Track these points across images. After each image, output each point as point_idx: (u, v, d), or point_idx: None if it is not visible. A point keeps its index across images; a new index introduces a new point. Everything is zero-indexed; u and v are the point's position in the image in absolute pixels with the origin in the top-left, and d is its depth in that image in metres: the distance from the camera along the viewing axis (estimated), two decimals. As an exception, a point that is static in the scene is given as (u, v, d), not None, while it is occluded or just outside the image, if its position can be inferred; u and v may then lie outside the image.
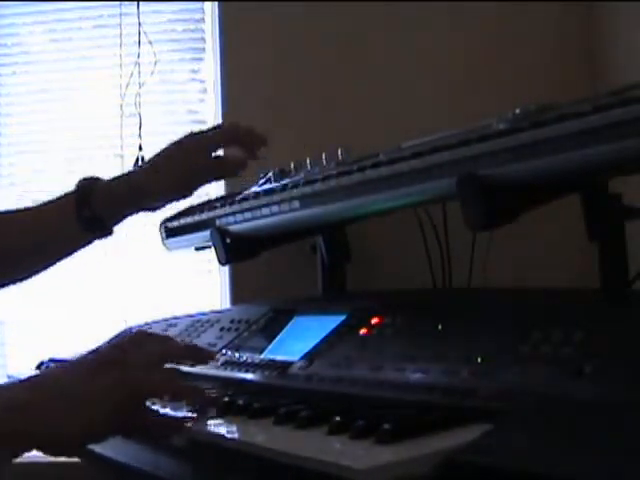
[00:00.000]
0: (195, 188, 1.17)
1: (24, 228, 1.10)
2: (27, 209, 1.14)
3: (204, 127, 2.00)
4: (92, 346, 0.97)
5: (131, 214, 1.14)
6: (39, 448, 0.80)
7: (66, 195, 1.10)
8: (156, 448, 0.91)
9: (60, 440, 0.79)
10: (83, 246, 1.12)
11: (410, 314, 1.00)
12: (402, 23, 1.84)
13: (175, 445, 0.89)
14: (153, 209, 1.15)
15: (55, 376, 0.85)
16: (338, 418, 0.73)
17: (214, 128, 1.19)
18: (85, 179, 1.10)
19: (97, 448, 0.95)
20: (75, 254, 1.13)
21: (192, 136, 1.13)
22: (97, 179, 1.10)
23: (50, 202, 1.11)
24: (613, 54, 1.70)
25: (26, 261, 1.11)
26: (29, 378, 0.84)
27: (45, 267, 1.13)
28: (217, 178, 1.26)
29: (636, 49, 1.58)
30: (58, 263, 1.13)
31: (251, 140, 1.16)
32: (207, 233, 1.47)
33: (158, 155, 1.12)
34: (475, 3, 1.79)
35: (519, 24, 1.80)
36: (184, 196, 1.17)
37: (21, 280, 1.13)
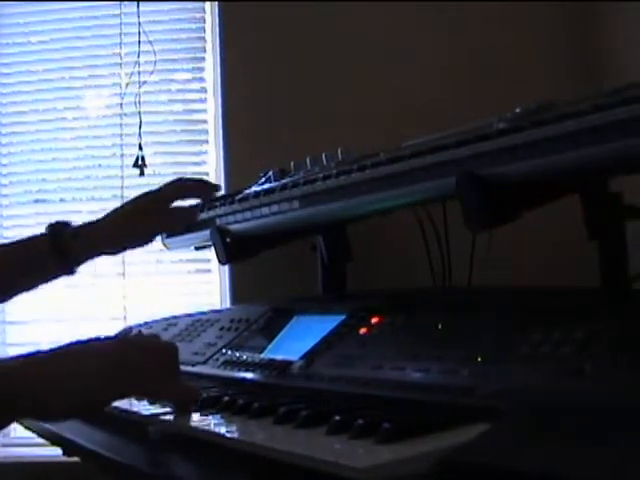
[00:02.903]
0: (152, 239, 1.35)
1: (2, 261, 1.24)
2: (4, 245, 1.30)
3: (204, 126, 2.01)
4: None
5: (94, 257, 1.29)
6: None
7: (40, 235, 1.25)
8: (156, 447, 0.91)
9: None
10: (50, 280, 1.26)
11: (410, 313, 1.00)
12: (402, 23, 1.84)
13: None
14: (114, 254, 1.32)
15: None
16: (338, 417, 0.73)
17: (167, 185, 1.35)
18: (57, 223, 1.26)
19: (97, 447, 0.95)
20: (44, 284, 1.27)
21: (147, 195, 1.31)
22: (66, 224, 1.26)
23: (24, 240, 1.26)
24: (614, 53, 1.70)
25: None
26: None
27: (10, 297, 1.28)
28: (172, 229, 1.46)
29: (636, 49, 1.58)
30: (22, 293, 1.27)
31: (203, 190, 1.36)
32: (207, 232, 1.47)
33: (117, 212, 1.29)
34: (476, 3, 1.79)
35: (519, 23, 1.80)
36: (143, 245, 1.35)
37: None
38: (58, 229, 1.24)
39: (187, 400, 0.94)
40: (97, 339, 0.93)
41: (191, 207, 1.42)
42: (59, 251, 1.22)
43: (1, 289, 1.25)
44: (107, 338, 0.96)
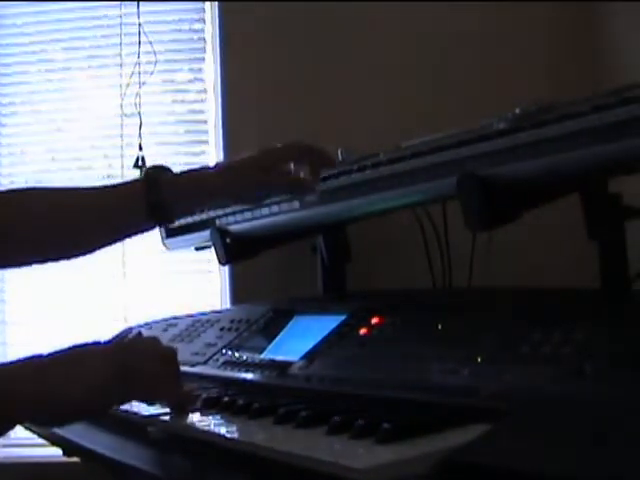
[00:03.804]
0: (257, 199, 1.21)
1: (91, 204, 1.12)
2: (95, 188, 1.14)
3: (204, 127, 2.01)
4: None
5: (193, 207, 1.21)
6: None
7: (135, 180, 1.13)
8: (156, 447, 0.91)
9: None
10: (144, 230, 1.14)
11: (410, 314, 1.00)
12: (402, 23, 1.84)
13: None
14: (213, 207, 1.24)
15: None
16: (338, 418, 0.73)
17: (286, 145, 1.18)
18: (154, 167, 1.14)
19: (97, 447, 0.95)
20: (133, 237, 1.15)
21: (265, 151, 1.14)
22: (166, 169, 1.14)
23: (118, 185, 1.13)
24: (613, 54, 1.70)
25: (87, 238, 1.13)
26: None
27: (102, 246, 1.14)
28: (283, 193, 1.25)
29: (636, 49, 1.58)
30: (115, 243, 1.15)
31: (320, 161, 1.15)
32: (207, 233, 1.47)
33: (229, 162, 1.18)
34: (475, 3, 1.79)
35: (519, 23, 1.80)
36: (247, 203, 1.25)
37: (77, 256, 1.14)
38: (155, 175, 1.11)
39: (184, 404, 0.94)
40: (97, 343, 0.93)
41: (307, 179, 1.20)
42: (153, 202, 1.09)
43: (88, 240, 1.12)
44: (106, 342, 0.96)
